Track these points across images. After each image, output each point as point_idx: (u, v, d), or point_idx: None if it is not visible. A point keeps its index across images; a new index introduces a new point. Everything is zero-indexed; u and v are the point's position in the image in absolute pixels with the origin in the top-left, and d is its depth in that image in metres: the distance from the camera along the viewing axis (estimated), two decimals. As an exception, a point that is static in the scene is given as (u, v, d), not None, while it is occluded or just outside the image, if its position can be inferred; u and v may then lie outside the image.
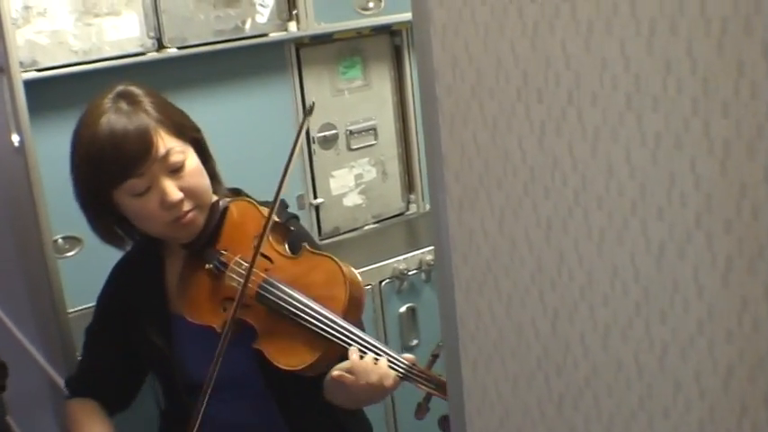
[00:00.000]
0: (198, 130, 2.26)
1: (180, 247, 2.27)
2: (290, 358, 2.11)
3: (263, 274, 2.15)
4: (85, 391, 2.35)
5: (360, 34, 3.27)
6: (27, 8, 2.56)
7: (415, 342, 3.13)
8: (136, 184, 2.10)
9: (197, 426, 2.07)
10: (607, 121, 1.12)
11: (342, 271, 2.13)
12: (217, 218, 2.24)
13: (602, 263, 1.17)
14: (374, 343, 2.05)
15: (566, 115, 1.16)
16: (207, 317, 2.16)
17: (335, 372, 2.05)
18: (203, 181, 2.19)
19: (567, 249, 1.21)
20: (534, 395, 1.32)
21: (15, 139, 2.48)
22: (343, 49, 3.25)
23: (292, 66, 3.14)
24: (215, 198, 2.25)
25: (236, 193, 2.36)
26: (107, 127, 2.09)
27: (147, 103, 2.15)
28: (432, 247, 3.11)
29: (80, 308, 2.62)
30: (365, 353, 2.04)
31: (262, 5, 2.96)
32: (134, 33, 2.73)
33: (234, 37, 2.93)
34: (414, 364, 2.01)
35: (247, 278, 2.11)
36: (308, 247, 2.21)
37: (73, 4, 2.62)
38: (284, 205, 2.38)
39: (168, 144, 2.11)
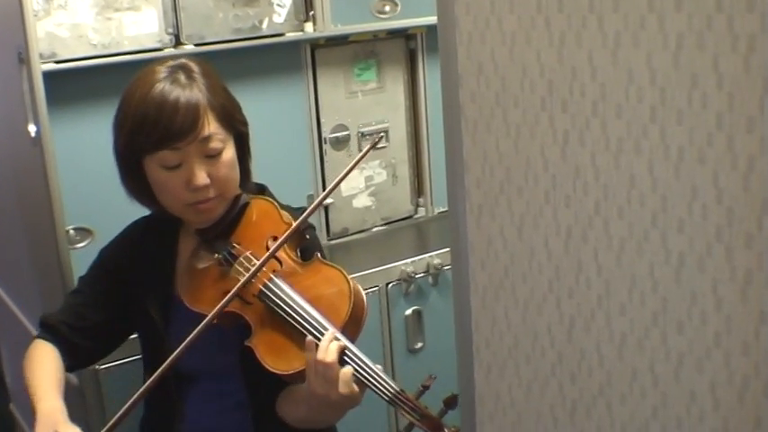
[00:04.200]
0: (245, 124, 2.28)
1: (194, 232, 2.27)
2: (280, 361, 2.08)
3: (269, 274, 2.15)
4: (57, 335, 2.29)
5: (375, 37, 3.28)
6: (48, 0, 2.57)
7: (419, 345, 3.14)
8: (168, 156, 2.11)
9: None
10: (631, 132, 1.13)
11: (349, 285, 2.12)
12: (236, 211, 2.24)
13: (620, 273, 1.19)
14: (366, 361, 2.02)
15: (590, 126, 1.18)
16: (205, 306, 2.15)
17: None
18: (233, 174, 2.19)
19: (586, 258, 1.22)
20: (547, 402, 1.33)
21: (32, 129, 2.50)
22: (358, 51, 3.27)
23: (307, 66, 3.16)
24: (239, 192, 2.26)
25: (261, 189, 2.37)
26: (160, 93, 2.10)
27: (201, 81, 2.16)
28: (439, 251, 3.13)
29: (90, 299, 2.62)
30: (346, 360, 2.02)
31: (279, 5, 2.97)
32: (153, 29, 2.75)
33: (251, 36, 2.95)
34: (402, 391, 1.99)
35: (253, 274, 2.11)
36: (319, 256, 2.21)
37: (93, -2, 2.64)
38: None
39: (212, 129, 2.12)
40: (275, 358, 2.10)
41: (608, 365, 1.23)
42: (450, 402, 1.93)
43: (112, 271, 2.32)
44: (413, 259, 3.12)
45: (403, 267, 3.10)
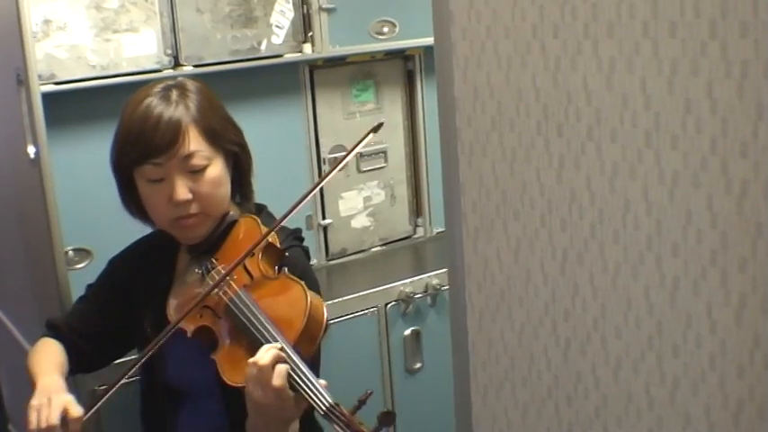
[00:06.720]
0: (238, 144, 2.27)
1: (185, 249, 2.29)
2: (236, 374, 2.08)
3: (236, 288, 2.16)
4: (62, 335, 2.30)
5: (373, 58, 3.29)
6: (47, 22, 2.58)
7: (418, 365, 3.14)
8: (151, 170, 2.14)
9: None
10: (626, 157, 1.14)
11: (306, 301, 2.08)
12: (222, 229, 2.25)
13: (616, 296, 1.19)
14: (305, 371, 2.01)
15: (585, 150, 1.18)
16: (184, 320, 2.16)
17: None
18: (218, 191, 2.19)
19: (582, 281, 1.23)
20: (544, 424, 1.34)
21: (31, 150, 2.50)
22: (356, 72, 3.28)
23: (306, 87, 3.17)
24: (229, 210, 2.26)
25: (260, 210, 2.37)
26: (145, 109, 2.13)
27: (193, 99, 2.18)
28: (438, 272, 3.12)
29: (88, 320, 2.62)
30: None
31: (278, 27, 2.98)
32: (151, 50, 2.76)
33: (249, 57, 2.96)
34: (337, 405, 1.98)
35: (217, 284, 2.12)
36: (286, 271, 2.20)
37: (92, 20, 2.65)
38: (296, 235, 2.39)
39: (195, 146, 2.14)
40: (233, 371, 2.10)
41: (604, 388, 1.24)
42: (385, 419, 1.91)
43: (115, 284, 2.35)
44: (411, 279, 3.12)
45: (401, 288, 3.10)
